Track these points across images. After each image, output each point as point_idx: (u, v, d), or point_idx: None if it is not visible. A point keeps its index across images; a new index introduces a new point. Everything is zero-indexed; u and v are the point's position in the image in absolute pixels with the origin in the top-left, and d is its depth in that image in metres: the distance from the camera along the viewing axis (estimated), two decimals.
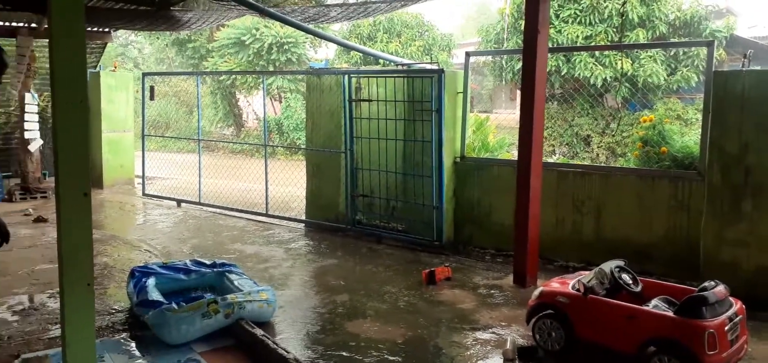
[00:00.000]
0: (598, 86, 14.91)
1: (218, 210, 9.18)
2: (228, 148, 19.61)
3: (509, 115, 20.25)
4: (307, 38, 20.22)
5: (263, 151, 9.97)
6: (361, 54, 18.65)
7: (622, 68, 14.58)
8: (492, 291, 5.53)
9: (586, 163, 13.09)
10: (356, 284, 5.67)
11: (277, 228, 8.08)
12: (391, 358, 4.08)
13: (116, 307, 4.90)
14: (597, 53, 14.97)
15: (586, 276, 4.16)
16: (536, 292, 4.29)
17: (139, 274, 4.88)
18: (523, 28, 6.04)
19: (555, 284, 4.35)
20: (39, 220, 8.07)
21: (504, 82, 18.78)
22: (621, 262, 4.24)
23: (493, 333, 4.55)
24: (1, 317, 4.61)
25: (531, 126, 5.53)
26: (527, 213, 5.60)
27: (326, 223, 7.92)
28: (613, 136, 15.19)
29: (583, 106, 15.81)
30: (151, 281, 4.76)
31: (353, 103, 7.53)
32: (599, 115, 15.91)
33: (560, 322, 4.07)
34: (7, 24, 9.80)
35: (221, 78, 21.08)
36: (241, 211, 9.01)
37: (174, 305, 4.25)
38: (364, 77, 7.66)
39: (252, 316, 4.40)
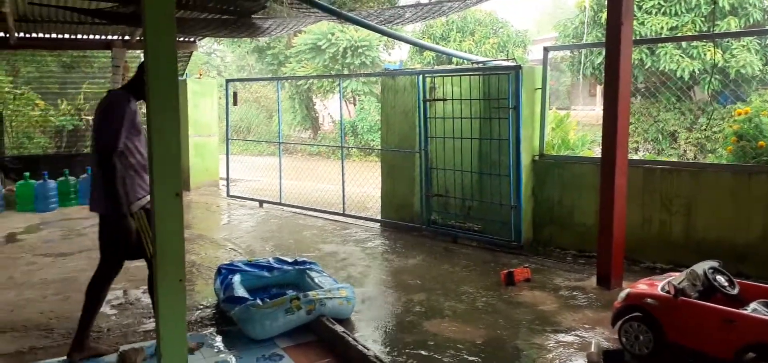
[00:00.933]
0: (686, 79, 14.13)
1: (298, 210, 9.43)
2: (305, 150, 20.11)
3: (589, 111, 19.58)
4: (381, 41, 20.43)
5: (339, 153, 10.15)
6: (434, 54, 18.60)
7: (712, 59, 13.75)
8: (574, 293, 5.36)
9: (673, 159, 12.46)
10: (433, 283, 5.66)
11: (354, 227, 8.20)
12: (470, 358, 4.05)
13: (204, 303, 5.13)
14: (684, 45, 14.19)
15: (676, 277, 3.97)
16: (623, 294, 4.13)
17: (225, 272, 5.09)
18: (604, 20, 5.82)
19: (643, 286, 4.16)
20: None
21: (582, 77, 18.15)
22: (715, 263, 4.01)
23: (576, 335, 4.41)
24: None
25: (615, 121, 5.31)
26: (612, 212, 5.38)
27: (401, 223, 7.96)
28: (703, 131, 14.34)
29: (670, 100, 15.03)
30: (236, 278, 4.96)
31: (427, 103, 7.52)
32: (686, 110, 15.07)
33: (648, 325, 3.89)
34: (103, 37, 10.52)
35: (299, 82, 21.67)
36: (320, 210, 9.21)
37: (259, 301, 4.41)
38: (439, 76, 7.63)
39: (332, 313, 4.48)
